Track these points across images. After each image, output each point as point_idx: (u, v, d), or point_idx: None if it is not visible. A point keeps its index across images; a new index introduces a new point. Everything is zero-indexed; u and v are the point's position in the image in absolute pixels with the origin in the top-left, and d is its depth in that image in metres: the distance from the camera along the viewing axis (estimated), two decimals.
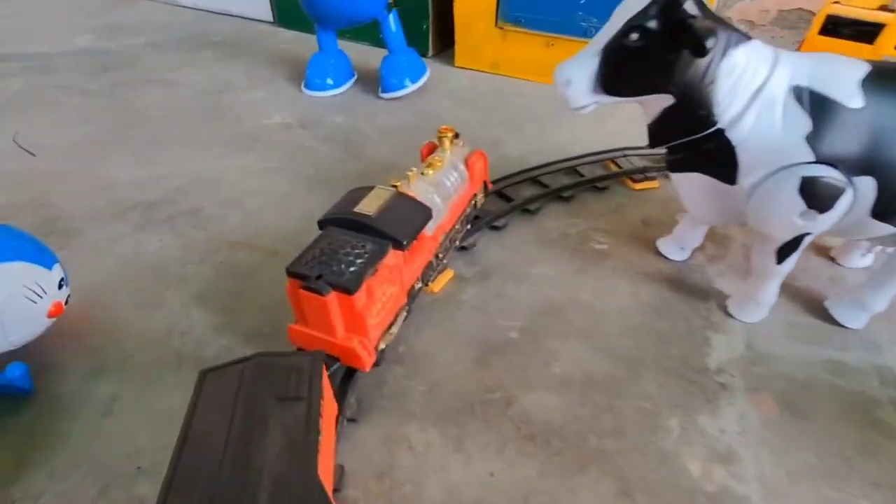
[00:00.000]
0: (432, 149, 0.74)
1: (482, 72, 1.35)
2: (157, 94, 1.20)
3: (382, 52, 1.21)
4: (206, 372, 0.44)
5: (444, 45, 1.45)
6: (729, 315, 0.65)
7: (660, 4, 0.47)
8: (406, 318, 0.62)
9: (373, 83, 1.25)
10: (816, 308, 0.66)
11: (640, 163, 0.92)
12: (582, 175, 0.90)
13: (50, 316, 0.56)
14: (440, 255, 0.68)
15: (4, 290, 0.52)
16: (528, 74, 1.30)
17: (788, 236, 0.55)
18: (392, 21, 1.17)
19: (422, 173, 0.66)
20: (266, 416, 0.39)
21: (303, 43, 1.49)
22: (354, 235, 0.55)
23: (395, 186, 0.62)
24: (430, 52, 1.44)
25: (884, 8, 1.01)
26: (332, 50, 1.24)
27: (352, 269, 0.51)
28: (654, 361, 0.59)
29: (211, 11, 1.77)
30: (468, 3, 1.28)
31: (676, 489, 0.48)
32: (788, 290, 0.68)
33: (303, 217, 0.81)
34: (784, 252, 0.57)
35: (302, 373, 0.42)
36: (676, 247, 0.73)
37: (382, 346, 0.57)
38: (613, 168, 0.92)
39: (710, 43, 0.44)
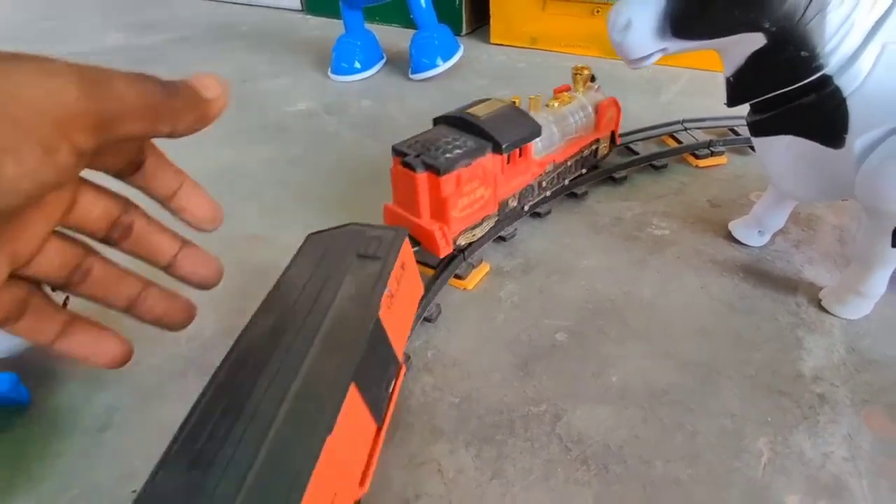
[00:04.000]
0: (565, 90, 0.72)
1: (520, 48, 1.26)
2: None
3: (413, 33, 1.13)
4: (311, 235, 0.48)
5: (479, 21, 1.36)
6: (824, 311, 0.54)
7: None
8: (492, 230, 0.63)
9: (403, 65, 1.17)
10: None
11: (703, 136, 0.81)
12: (636, 153, 0.79)
13: None
14: (544, 185, 0.67)
15: None
16: (570, 48, 1.19)
17: None
18: None
19: (546, 105, 0.68)
20: (345, 268, 0.43)
21: (331, 29, 1.42)
22: (461, 133, 0.58)
23: (513, 102, 0.63)
24: (465, 30, 1.35)
25: None
26: (360, 31, 1.17)
27: (447, 156, 0.54)
28: (734, 369, 0.49)
29: (240, 3, 1.74)
30: None
31: None
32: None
33: (322, 208, 0.74)
34: None
35: (385, 240, 0.45)
36: (754, 230, 0.62)
37: (462, 243, 0.59)
38: (672, 144, 0.81)
39: None
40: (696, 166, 0.78)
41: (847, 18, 0.39)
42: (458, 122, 0.59)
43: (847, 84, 0.41)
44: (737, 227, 0.63)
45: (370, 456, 0.39)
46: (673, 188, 0.74)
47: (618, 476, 0.42)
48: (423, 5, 1.10)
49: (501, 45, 1.27)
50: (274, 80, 1.17)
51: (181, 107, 0.20)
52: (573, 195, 0.72)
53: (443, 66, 1.12)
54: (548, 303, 0.57)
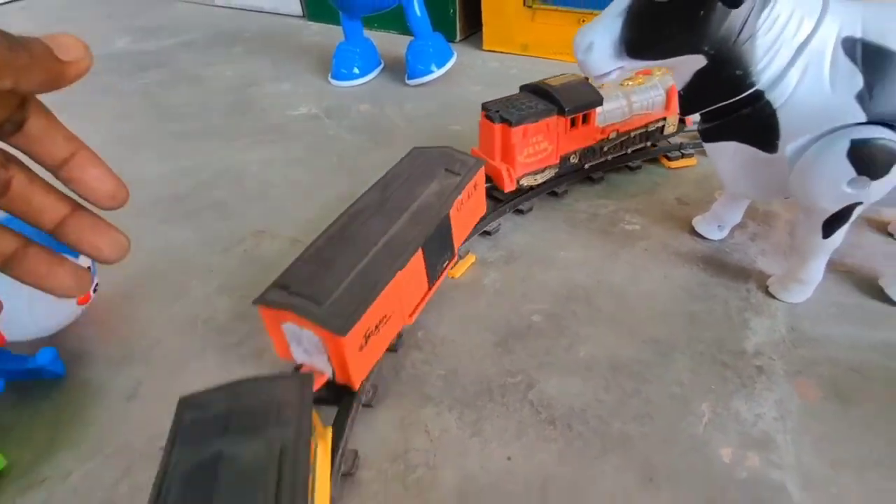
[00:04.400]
0: (647, 73, 0.82)
1: (512, 54, 1.32)
2: (188, 91, 1.23)
3: (409, 40, 1.20)
4: (416, 148, 0.67)
5: (472, 29, 1.43)
6: (771, 296, 0.61)
7: None
8: (553, 177, 0.77)
9: (400, 71, 1.24)
10: (870, 288, 0.61)
11: (675, 140, 0.87)
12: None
13: (79, 304, 0.58)
14: (605, 149, 0.79)
15: None
16: (558, 55, 1.26)
17: (836, 207, 0.51)
18: (416, 6, 1.15)
19: (621, 84, 0.79)
20: (434, 175, 0.62)
21: (331, 35, 1.49)
22: (537, 98, 0.72)
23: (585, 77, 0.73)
24: (458, 37, 1.42)
25: None
26: (358, 39, 1.23)
27: (520, 113, 0.69)
28: (687, 345, 0.56)
29: (243, 9, 1.80)
30: None
31: (705, 476, 0.45)
32: (839, 268, 0.63)
33: (324, 206, 0.80)
34: (831, 225, 0.52)
35: (467, 164, 0.64)
36: (714, 225, 0.69)
37: (525, 184, 0.74)
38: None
39: None
40: (668, 167, 0.84)
41: (774, 43, 0.46)
42: (537, 89, 0.74)
43: (776, 98, 0.47)
44: (699, 223, 0.70)
45: (419, 303, 0.58)
46: (645, 187, 0.81)
47: (580, 434, 0.49)
48: (419, 14, 1.16)
49: (494, 51, 1.34)
50: (276, 84, 1.24)
51: (26, 63, 0.19)
52: (554, 194, 0.79)
53: (437, 73, 1.18)
54: (527, 289, 0.64)
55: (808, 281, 0.59)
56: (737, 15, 0.44)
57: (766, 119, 0.49)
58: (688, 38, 0.45)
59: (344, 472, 0.45)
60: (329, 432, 0.45)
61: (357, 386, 0.49)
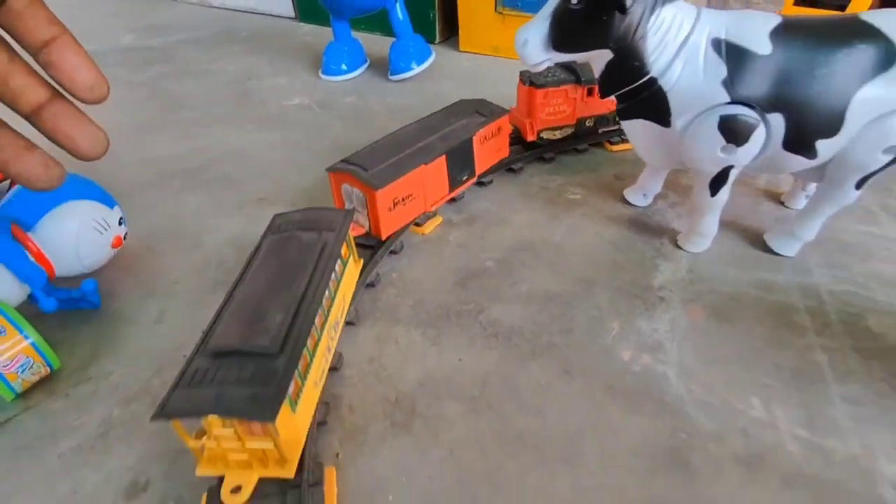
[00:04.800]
0: None
1: (484, 55, 1.46)
2: (193, 84, 1.36)
3: (393, 41, 1.33)
4: (461, 100, 0.92)
5: (450, 31, 1.57)
6: (679, 248, 0.75)
7: None
8: (568, 135, 0.97)
9: (384, 68, 1.37)
10: (758, 241, 0.75)
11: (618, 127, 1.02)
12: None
13: (113, 247, 0.71)
14: (617, 120, 0.91)
15: (79, 221, 0.66)
16: None
17: (715, 169, 0.65)
18: (399, 10, 1.29)
19: None
20: (467, 116, 0.86)
21: (321, 35, 1.63)
22: (564, 70, 0.93)
23: None
24: (438, 39, 1.56)
25: None
26: (347, 38, 1.37)
27: (546, 79, 0.90)
28: (608, 282, 0.70)
29: (239, 10, 1.93)
30: None
31: (609, 369, 0.59)
32: (735, 227, 0.78)
33: (318, 179, 0.94)
34: (716, 184, 0.67)
35: (496, 111, 0.88)
36: (640, 194, 0.83)
37: (545, 136, 0.95)
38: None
39: (628, 1, 0.55)
40: (610, 151, 0.99)
41: (662, 41, 0.60)
42: (569, 68, 0.93)
43: (666, 83, 0.62)
44: (628, 193, 0.84)
45: (439, 200, 0.81)
46: (590, 166, 0.95)
47: (516, 344, 0.62)
48: (401, 17, 1.30)
49: (469, 52, 1.48)
50: (273, 78, 1.37)
51: None
52: (511, 170, 0.93)
53: (417, 69, 1.32)
54: (484, 243, 0.78)
55: (705, 234, 0.73)
56: (631, 20, 0.58)
57: (660, 100, 0.63)
58: (595, 36, 0.60)
59: (331, 368, 0.59)
60: (360, 263, 0.68)
61: (385, 237, 0.74)
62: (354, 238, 0.69)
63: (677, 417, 0.54)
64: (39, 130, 0.22)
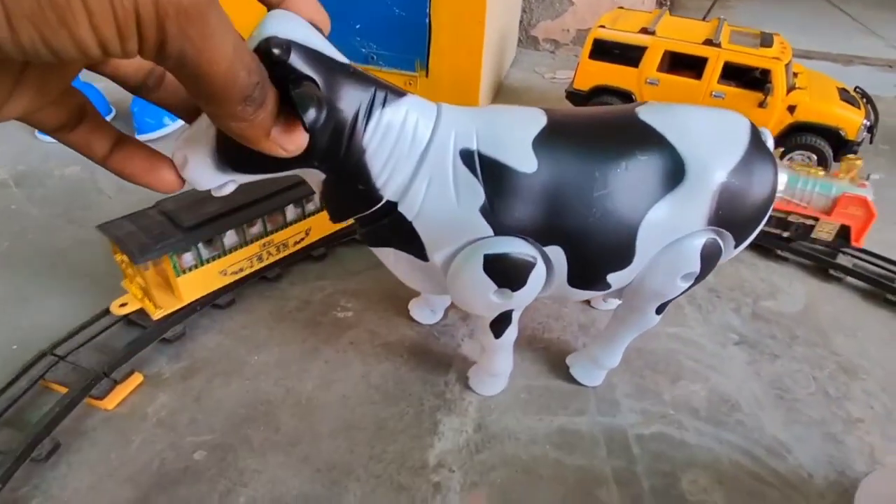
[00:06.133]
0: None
1: None
2: None
3: None
4: None
5: None
6: (468, 387, 0.58)
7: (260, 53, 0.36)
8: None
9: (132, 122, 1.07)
10: (558, 367, 0.61)
11: None
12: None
13: None
14: None
15: None
16: None
17: (492, 315, 0.49)
18: None
19: (807, 167, 0.82)
20: None
21: None
22: None
23: None
24: None
25: (644, 31, 1.03)
26: (76, 83, 1.05)
27: None
28: (365, 468, 0.50)
29: None
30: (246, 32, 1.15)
31: None
32: (535, 345, 0.63)
33: None
34: (498, 327, 0.51)
35: None
36: (427, 309, 0.66)
37: None
38: None
39: (310, 116, 0.34)
40: None
41: (391, 156, 0.40)
42: None
43: (409, 210, 0.43)
44: (413, 307, 0.66)
45: None
46: (373, 262, 0.76)
47: None
48: None
49: None
50: None
51: None
52: (265, 279, 0.70)
53: (173, 126, 1.04)
54: (199, 413, 0.54)
55: (498, 373, 0.57)
56: (340, 128, 0.37)
57: (406, 230, 0.44)
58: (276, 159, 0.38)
59: None
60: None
61: None
62: None
63: None
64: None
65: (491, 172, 0.42)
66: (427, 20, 1.03)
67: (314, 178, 0.42)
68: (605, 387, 0.59)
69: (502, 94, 1.31)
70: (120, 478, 0.48)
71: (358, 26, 1.07)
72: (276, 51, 0.29)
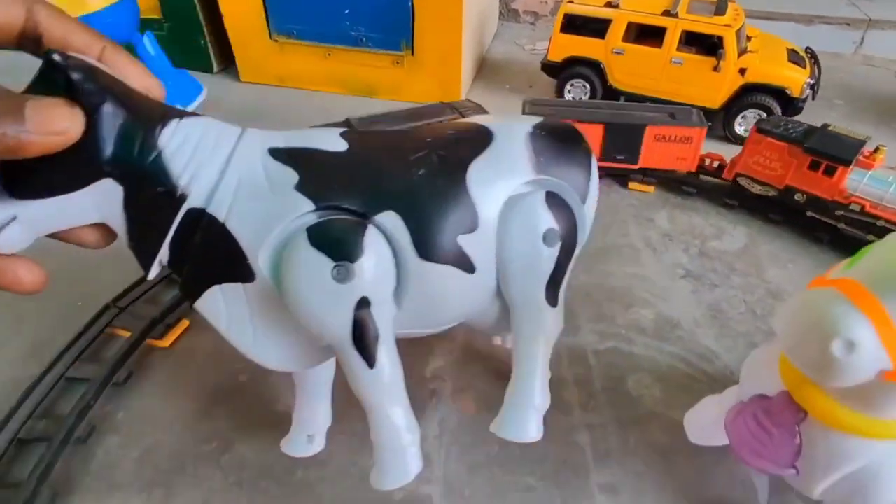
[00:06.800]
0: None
1: (270, 85, 1.33)
2: None
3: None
4: None
5: (230, 59, 1.40)
6: None
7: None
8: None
9: None
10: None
11: None
12: None
13: None
14: (837, 212, 0.83)
15: None
16: (312, 85, 1.30)
17: (343, 315, 0.39)
18: (148, 44, 1.10)
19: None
20: None
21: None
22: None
23: None
24: (216, 68, 1.38)
25: (609, 4, 1.12)
26: None
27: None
28: None
29: None
30: (237, 17, 1.24)
31: (369, 501, 0.52)
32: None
33: None
34: (362, 343, 0.40)
35: None
36: (303, 438, 0.54)
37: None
38: None
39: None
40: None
41: (189, 162, 0.37)
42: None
43: (218, 211, 0.38)
44: (287, 445, 0.54)
45: None
46: None
47: (264, 489, 0.53)
48: (153, 53, 1.11)
49: (252, 83, 1.33)
50: None
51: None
52: None
53: None
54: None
55: (403, 447, 0.45)
56: (123, 129, 0.33)
57: (220, 236, 0.39)
58: (69, 162, 0.31)
59: None
60: None
61: None
62: None
63: None
64: None
65: (303, 157, 0.41)
66: (410, 2, 1.12)
67: (111, 204, 0.36)
68: (569, 314, 0.72)
69: (485, 67, 1.40)
70: (184, 395, 0.61)
71: (347, 11, 1.16)
72: (55, 57, 0.29)
